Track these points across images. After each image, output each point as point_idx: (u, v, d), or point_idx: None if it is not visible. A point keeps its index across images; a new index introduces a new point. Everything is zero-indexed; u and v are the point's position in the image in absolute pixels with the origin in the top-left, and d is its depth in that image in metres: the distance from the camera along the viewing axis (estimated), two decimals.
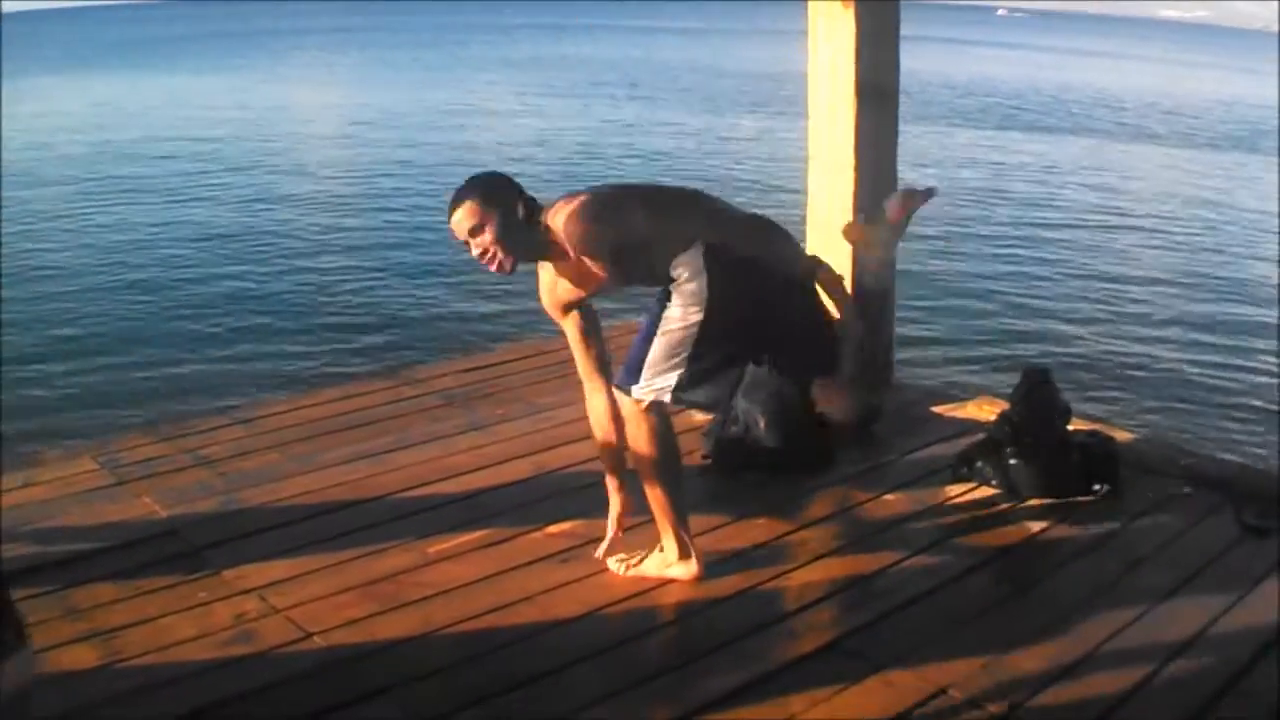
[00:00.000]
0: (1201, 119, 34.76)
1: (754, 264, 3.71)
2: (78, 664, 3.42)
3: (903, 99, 6.03)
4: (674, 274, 3.69)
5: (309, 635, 3.62)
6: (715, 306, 3.66)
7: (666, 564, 4.05)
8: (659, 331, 3.73)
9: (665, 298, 3.74)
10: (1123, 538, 4.48)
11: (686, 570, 4.02)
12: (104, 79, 40.05)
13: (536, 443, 5.26)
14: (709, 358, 3.74)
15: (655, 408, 3.81)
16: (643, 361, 3.75)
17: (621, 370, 3.84)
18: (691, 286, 3.66)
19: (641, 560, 4.09)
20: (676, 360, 3.71)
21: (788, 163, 16.36)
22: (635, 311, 4.91)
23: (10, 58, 39.58)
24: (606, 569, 4.09)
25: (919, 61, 30.10)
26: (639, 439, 3.87)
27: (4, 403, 8.48)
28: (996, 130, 28.84)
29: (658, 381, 3.74)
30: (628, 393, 3.80)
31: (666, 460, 3.90)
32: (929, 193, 5.55)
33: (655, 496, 3.95)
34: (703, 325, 3.67)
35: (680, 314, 3.69)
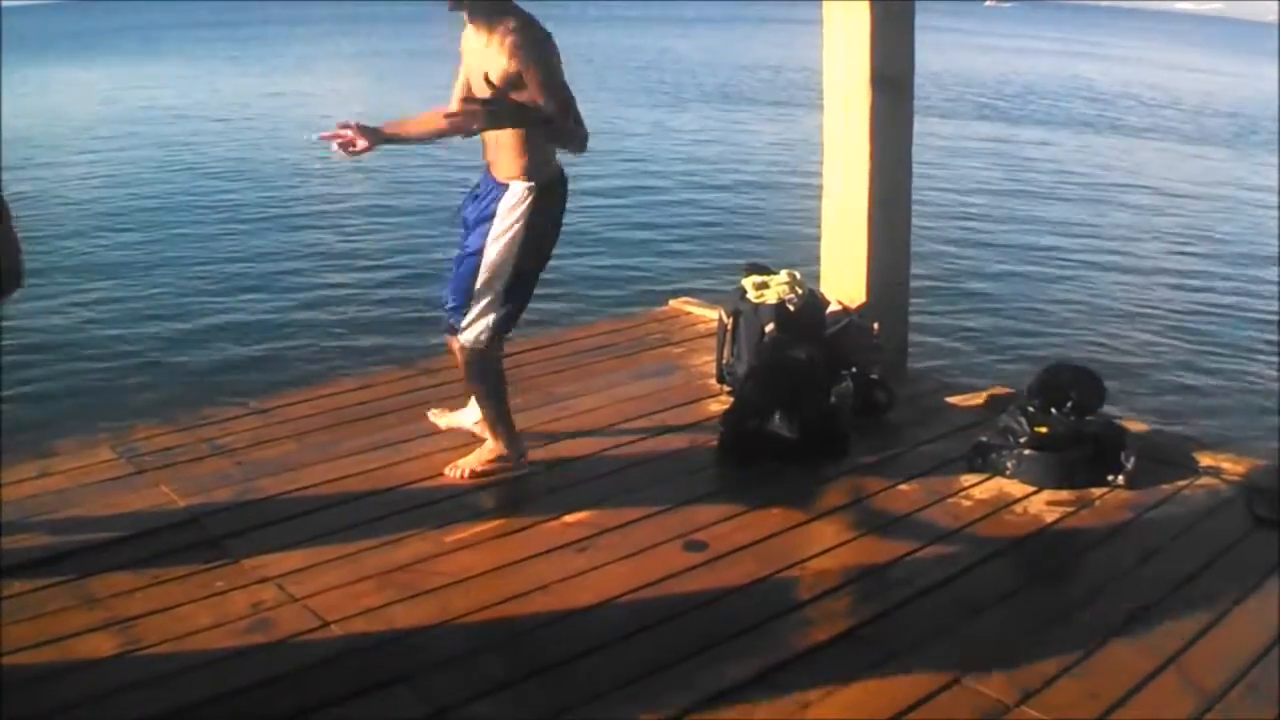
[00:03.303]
0: (1210, 113, 34.58)
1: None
2: (96, 652, 3.45)
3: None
4: (503, 182, 4.43)
5: (326, 624, 3.64)
6: (529, 252, 4.47)
7: (490, 455, 4.78)
8: (480, 277, 4.46)
9: (483, 219, 4.46)
10: (1136, 529, 4.48)
11: (505, 457, 4.77)
12: (117, 67, 40.08)
13: (553, 432, 5.27)
14: (517, 299, 4.55)
15: (479, 347, 4.56)
16: (467, 303, 4.51)
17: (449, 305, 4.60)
18: (510, 225, 4.42)
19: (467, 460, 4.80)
20: (492, 302, 4.50)
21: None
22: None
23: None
24: (622, 558, 4.12)
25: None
26: (468, 373, 4.67)
27: (22, 393, 8.52)
28: (1006, 124, 28.73)
29: (479, 325, 4.52)
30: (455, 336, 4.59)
31: (493, 384, 4.70)
32: None
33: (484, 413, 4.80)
34: (515, 270, 4.47)
35: (497, 257, 4.43)
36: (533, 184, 4.39)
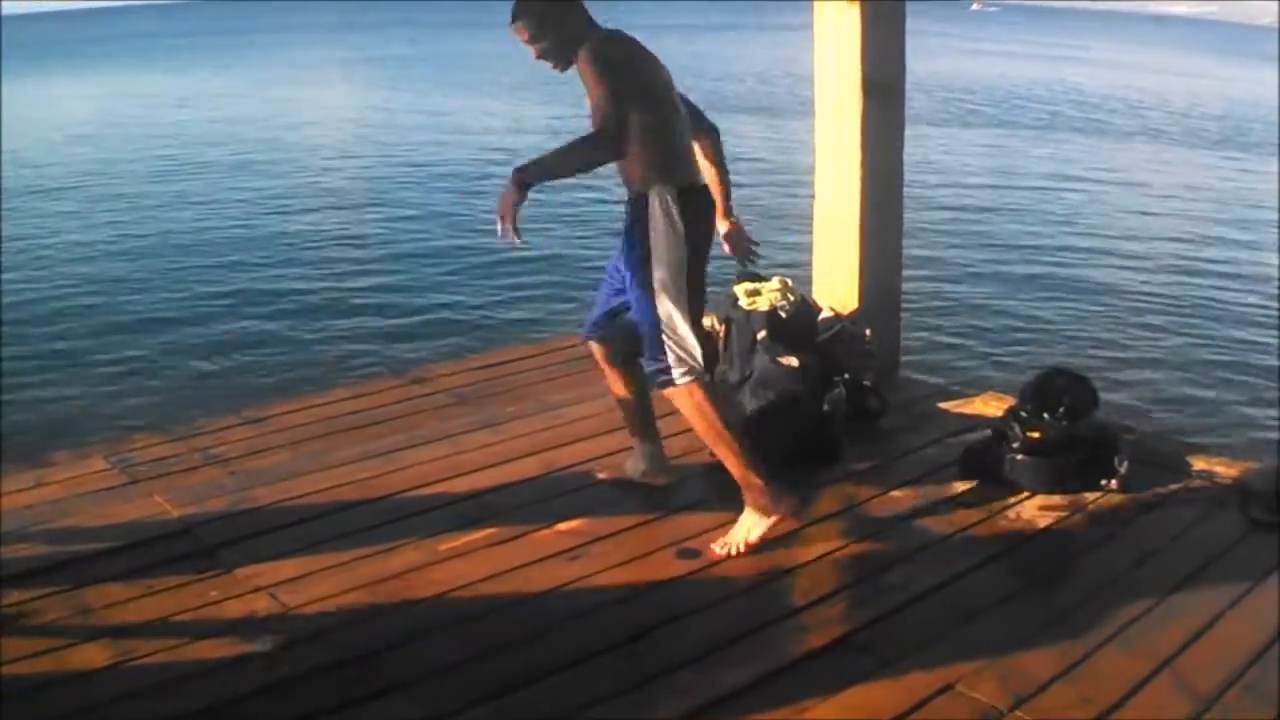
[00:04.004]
0: (1202, 117, 34.65)
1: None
2: (90, 663, 3.44)
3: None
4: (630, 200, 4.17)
5: (320, 633, 3.64)
6: (670, 260, 4.13)
7: (755, 523, 4.24)
8: (655, 312, 4.15)
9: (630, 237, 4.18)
10: (1130, 532, 4.49)
11: (773, 519, 4.24)
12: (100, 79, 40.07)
13: (546, 440, 5.28)
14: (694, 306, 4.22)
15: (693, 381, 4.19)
16: (658, 347, 4.18)
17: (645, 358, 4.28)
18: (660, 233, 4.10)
19: (736, 535, 4.27)
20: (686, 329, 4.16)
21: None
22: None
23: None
24: (615, 566, 4.13)
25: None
26: (688, 415, 4.27)
27: (15, 403, 8.51)
28: (997, 129, 28.78)
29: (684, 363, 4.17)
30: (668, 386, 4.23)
31: (716, 424, 4.23)
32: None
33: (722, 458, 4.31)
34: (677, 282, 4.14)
35: (661, 278, 4.12)
36: (651, 192, 4.12)
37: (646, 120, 4.03)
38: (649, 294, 4.15)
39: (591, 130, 3.80)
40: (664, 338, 4.17)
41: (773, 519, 4.23)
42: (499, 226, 3.92)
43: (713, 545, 4.25)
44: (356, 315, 11.52)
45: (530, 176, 3.84)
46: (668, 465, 4.79)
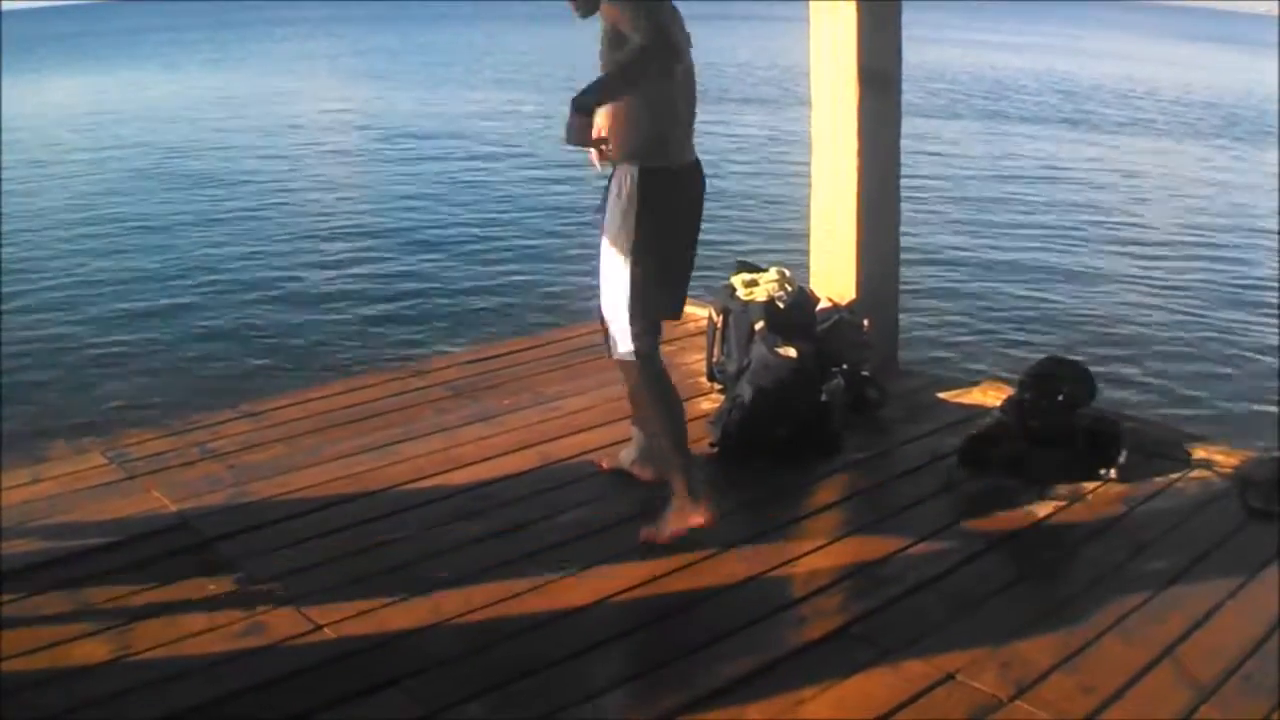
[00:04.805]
0: (1199, 105, 34.64)
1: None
2: (89, 659, 3.44)
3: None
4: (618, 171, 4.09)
5: (319, 627, 3.63)
6: (646, 247, 4.09)
7: (678, 516, 4.19)
8: (607, 281, 4.17)
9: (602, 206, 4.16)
10: (1129, 522, 4.49)
11: (696, 517, 4.16)
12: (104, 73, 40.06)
13: (544, 432, 5.27)
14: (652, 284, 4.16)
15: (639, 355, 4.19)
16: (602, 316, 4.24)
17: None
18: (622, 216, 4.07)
19: (662, 523, 4.22)
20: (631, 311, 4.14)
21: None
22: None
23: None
24: (613, 558, 4.12)
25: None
26: (628, 390, 4.35)
27: (12, 399, 8.50)
28: (994, 120, 28.77)
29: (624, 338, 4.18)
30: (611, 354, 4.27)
31: (650, 407, 4.30)
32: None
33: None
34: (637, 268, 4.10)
35: (612, 249, 4.12)
36: (639, 166, 4.07)
37: (650, 92, 3.97)
38: (607, 264, 4.19)
39: (633, 43, 3.75)
40: (607, 311, 4.23)
41: (687, 524, 4.17)
42: (589, 155, 3.92)
43: (642, 532, 4.26)
44: (353, 309, 11.51)
45: (591, 101, 3.79)
46: (656, 459, 4.69)
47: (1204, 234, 15.81)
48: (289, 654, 3.50)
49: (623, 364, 4.26)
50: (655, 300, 4.21)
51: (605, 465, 4.86)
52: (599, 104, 3.78)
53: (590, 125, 3.80)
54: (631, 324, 4.15)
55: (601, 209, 4.18)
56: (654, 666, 3.47)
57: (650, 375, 4.23)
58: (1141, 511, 4.57)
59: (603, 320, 4.29)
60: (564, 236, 14.21)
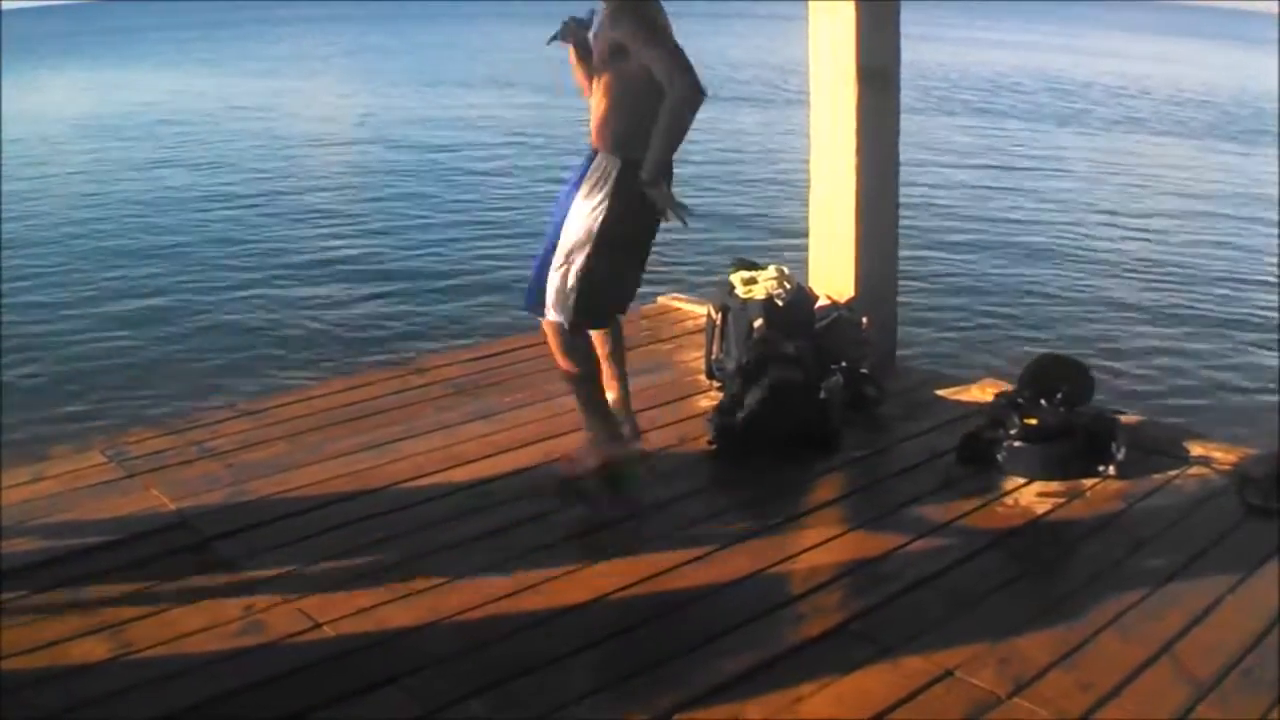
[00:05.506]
0: (1197, 104, 34.61)
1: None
2: (88, 657, 3.44)
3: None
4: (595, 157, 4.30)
5: (318, 625, 3.64)
6: (613, 232, 4.27)
7: (598, 449, 4.55)
8: (555, 260, 4.33)
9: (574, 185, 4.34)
10: (1127, 519, 4.49)
11: (617, 449, 4.55)
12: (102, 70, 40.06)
13: (544, 430, 5.26)
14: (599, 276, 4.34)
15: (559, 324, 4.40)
16: (543, 288, 4.38)
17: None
18: (597, 198, 4.26)
19: (580, 454, 4.61)
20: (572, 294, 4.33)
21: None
22: None
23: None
24: (612, 555, 4.11)
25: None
26: (551, 349, 4.51)
27: (12, 398, 8.50)
28: (993, 118, 28.75)
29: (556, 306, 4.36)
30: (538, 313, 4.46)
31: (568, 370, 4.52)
32: None
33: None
34: (595, 247, 4.29)
35: (577, 228, 4.28)
36: (624, 158, 4.24)
37: (637, 86, 4.15)
38: (564, 231, 4.33)
39: (674, 97, 4.04)
40: (552, 272, 4.35)
41: (600, 460, 4.51)
42: (679, 219, 4.25)
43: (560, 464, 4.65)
44: (353, 306, 11.50)
45: (659, 171, 4.14)
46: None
47: (1204, 232, 15.79)
48: (288, 652, 3.50)
49: (549, 324, 4.44)
50: (605, 291, 4.42)
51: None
52: (665, 169, 4.19)
53: (667, 189, 4.19)
54: (576, 312, 4.36)
55: (573, 187, 4.34)
56: (652, 664, 3.47)
57: (573, 343, 4.47)
58: (1140, 508, 4.57)
59: (538, 274, 4.42)
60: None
